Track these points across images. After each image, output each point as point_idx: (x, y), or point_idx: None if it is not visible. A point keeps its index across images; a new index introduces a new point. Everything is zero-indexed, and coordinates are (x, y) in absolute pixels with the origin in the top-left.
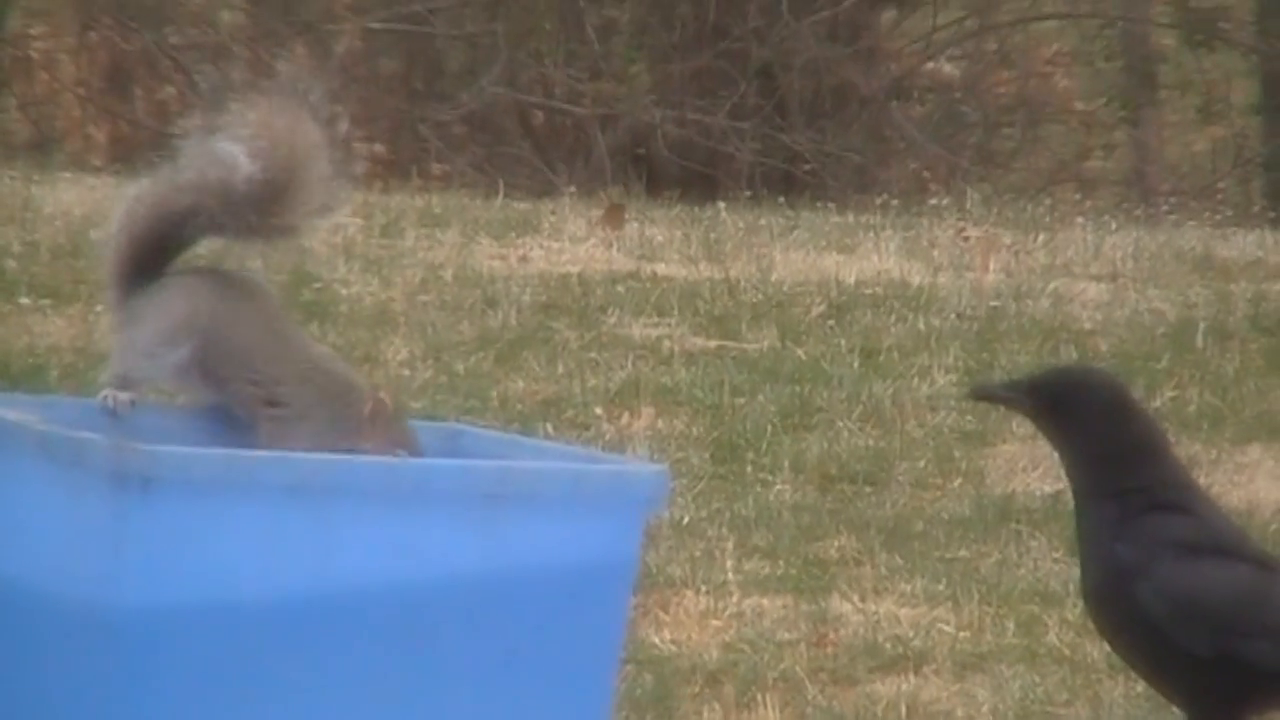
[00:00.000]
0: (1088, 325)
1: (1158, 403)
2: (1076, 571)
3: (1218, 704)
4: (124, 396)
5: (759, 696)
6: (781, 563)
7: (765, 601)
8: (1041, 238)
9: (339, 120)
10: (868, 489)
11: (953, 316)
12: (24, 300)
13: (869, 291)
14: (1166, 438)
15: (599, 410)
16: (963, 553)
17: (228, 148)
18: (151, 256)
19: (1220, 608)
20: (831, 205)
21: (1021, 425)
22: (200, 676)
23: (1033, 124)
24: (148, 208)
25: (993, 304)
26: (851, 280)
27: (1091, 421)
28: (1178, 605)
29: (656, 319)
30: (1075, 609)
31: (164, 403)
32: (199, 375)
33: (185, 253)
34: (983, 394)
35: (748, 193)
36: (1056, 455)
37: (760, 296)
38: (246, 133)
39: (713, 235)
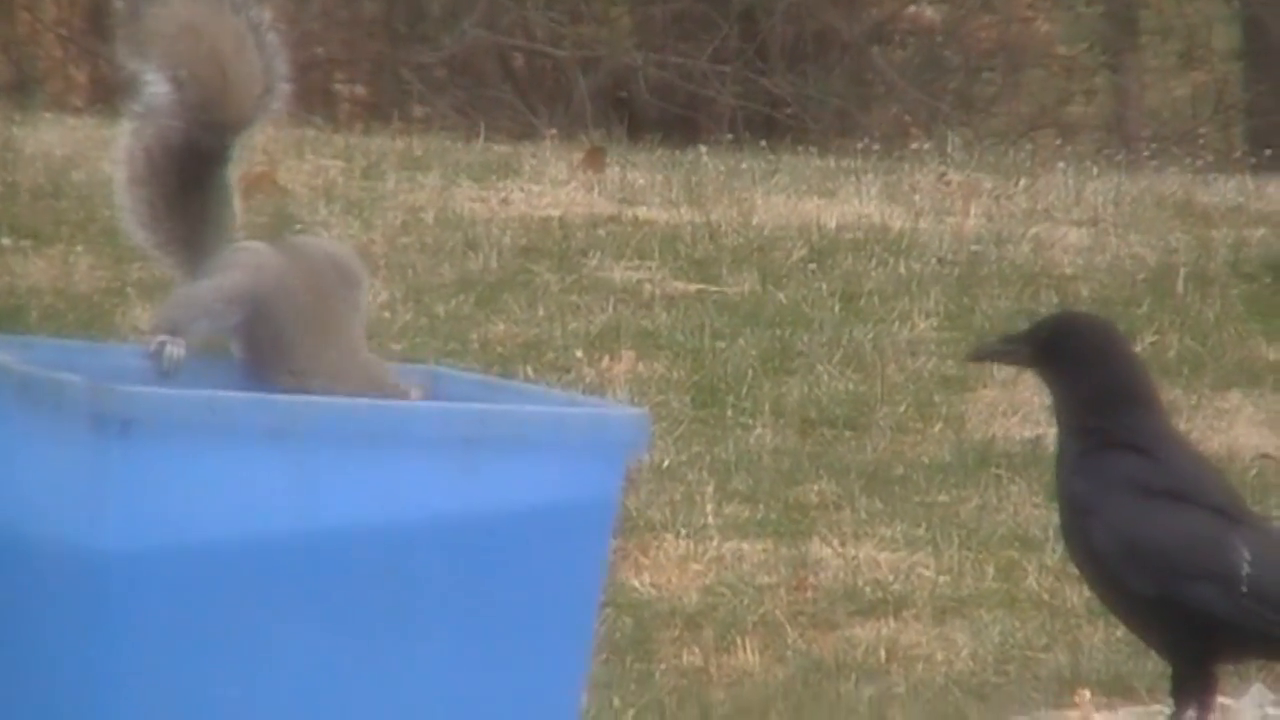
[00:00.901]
0: (1068, 270)
1: (1138, 348)
2: (1055, 517)
3: (1171, 645)
4: (177, 351)
5: (738, 640)
6: (761, 507)
7: (745, 546)
8: (1022, 183)
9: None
10: (848, 433)
11: (933, 261)
12: (4, 241)
13: (850, 236)
14: (1151, 385)
15: (579, 353)
16: (942, 497)
17: (149, 67)
18: (173, 196)
19: (1164, 549)
20: (813, 149)
21: (1001, 370)
22: (181, 618)
23: (1014, 69)
24: (133, 153)
25: (973, 249)
26: (832, 224)
27: (1077, 364)
28: (1122, 543)
29: (637, 262)
30: (1054, 554)
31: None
32: (244, 345)
33: (212, 178)
34: (983, 355)
35: (729, 136)
36: (1038, 400)
37: (741, 240)
38: (163, 44)
39: (694, 179)
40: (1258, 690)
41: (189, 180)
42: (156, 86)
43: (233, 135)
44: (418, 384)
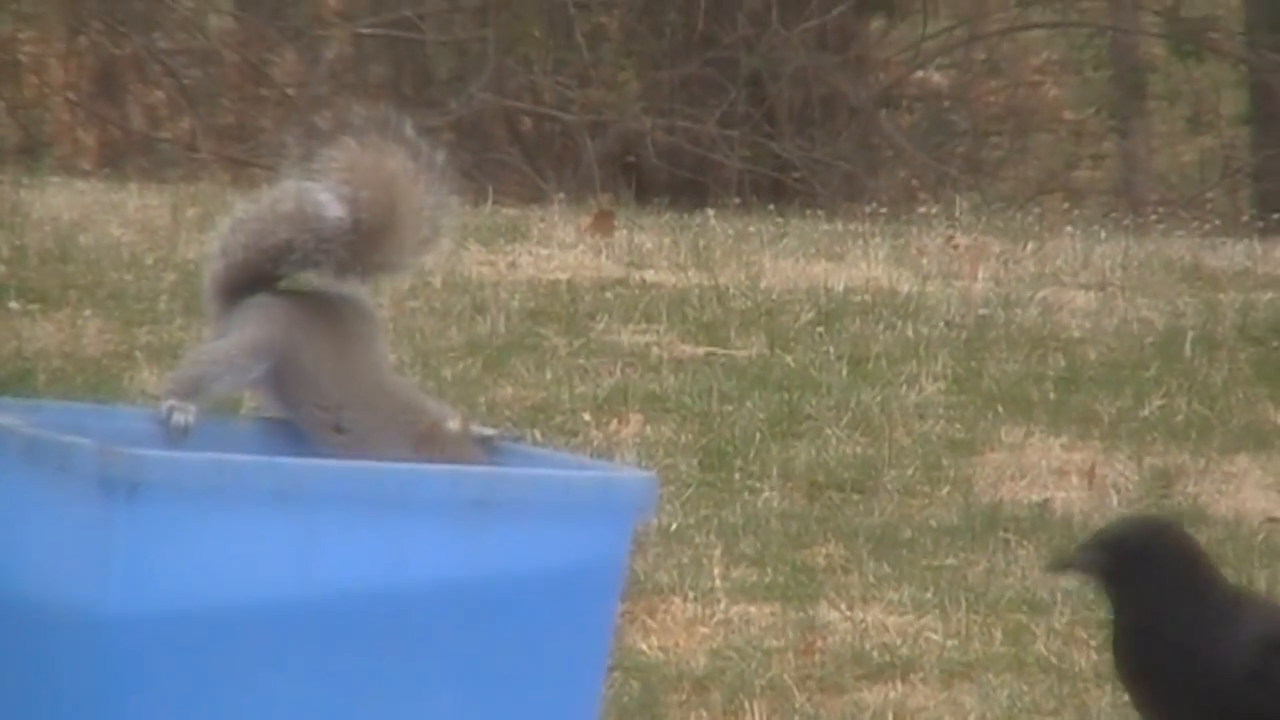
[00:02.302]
0: (1076, 334)
1: (1145, 412)
2: (1064, 581)
3: None
4: (186, 418)
5: (746, 704)
6: (769, 570)
7: (753, 609)
8: (1030, 246)
9: (437, 151)
10: (856, 497)
11: (941, 325)
12: (12, 304)
13: (858, 299)
14: (1225, 588)
15: (587, 417)
16: (950, 561)
17: (318, 193)
18: (249, 280)
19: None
20: (820, 213)
21: (1010, 434)
22: (186, 682)
23: (1021, 133)
24: (246, 237)
25: (981, 312)
26: (840, 288)
27: (1154, 582)
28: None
29: (645, 326)
30: (1062, 618)
31: (220, 415)
32: (272, 394)
33: (285, 277)
34: (1058, 567)
35: (737, 200)
36: (1046, 464)
37: (749, 304)
38: (336, 176)
39: (702, 242)
40: None
41: (268, 274)
42: (329, 207)
43: (378, 276)
44: (455, 413)
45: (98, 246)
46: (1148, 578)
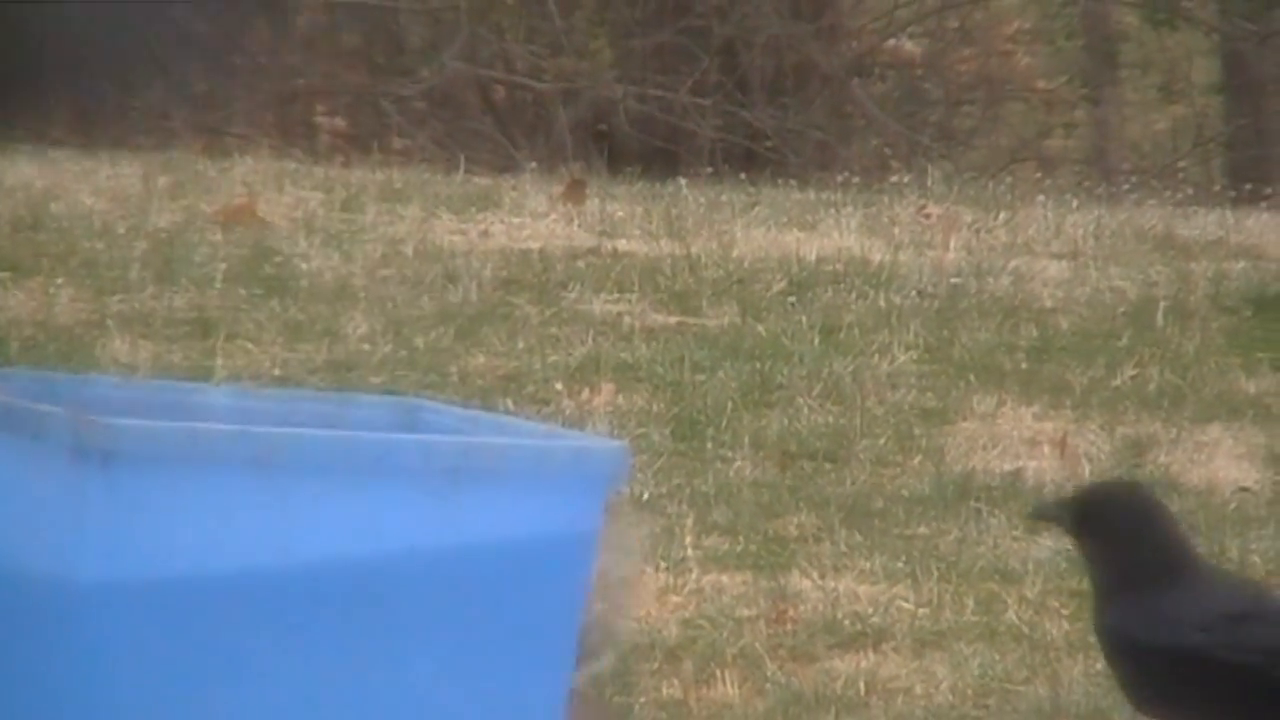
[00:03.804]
0: (1048, 303)
1: (1118, 381)
2: (1035, 550)
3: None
4: None
5: (718, 673)
6: (741, 539)
7: (725, 578)
8: (1002, 216)
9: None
10: (828, 466)
11: (914, 294)
12: None
13: (830, 268)
14: (1191, 552)
15: (559, 386)
16: (922, 530)
17: None
18: None
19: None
20: (793, 182)
21: (982, 403)
22: (160, 651)
23: (994, 102)
24: None
25: (953, 281)
26: (812, 257)
27: (1114, 538)
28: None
29: (617, 295)
30: (1034, 587)
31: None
32: None
33: None
34: (1038, 515)
35: (709, 169)
36: (1018, 433)
37: (721, 273)
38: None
39: (674, 211)
40: None
41: None
42: None
43: None
44: None
45: (69, 215)
46: (1114, 534)
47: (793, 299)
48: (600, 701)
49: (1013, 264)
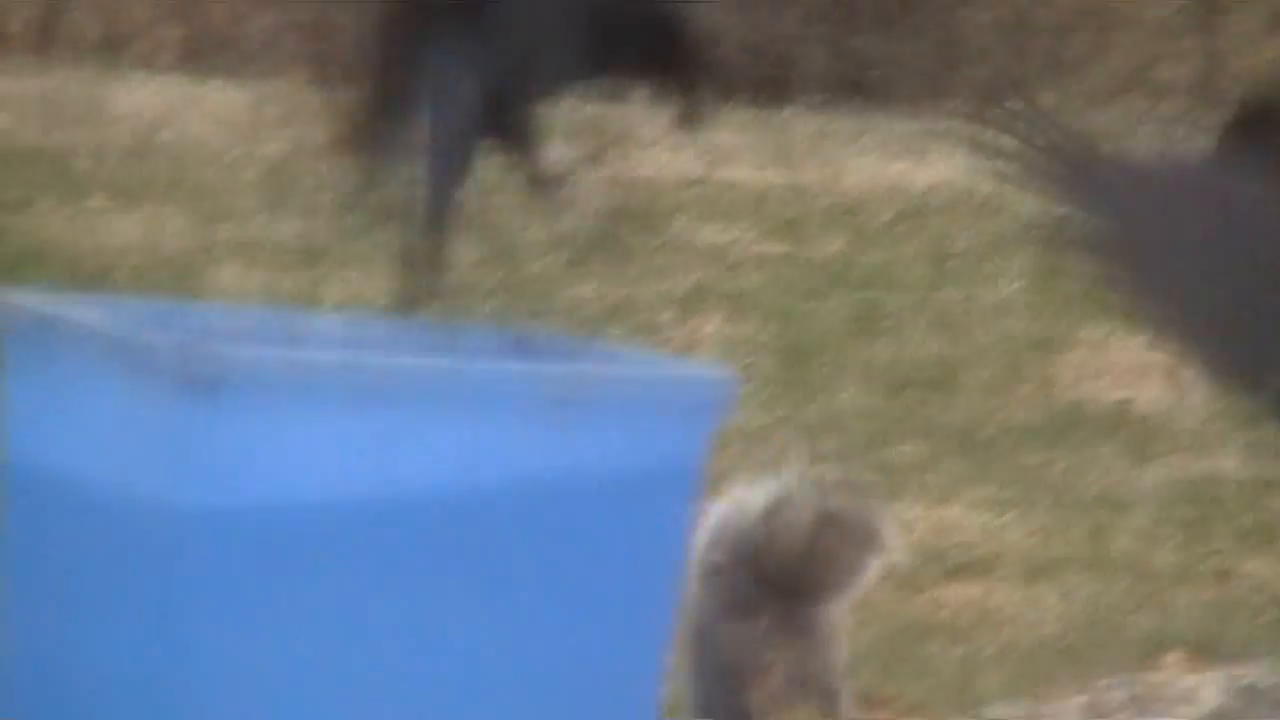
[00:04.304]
0: None
1: None
2: (1144, 480)
3: None
4: None
5: None
6: (850, 468)
7: None
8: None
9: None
10: (936, 395)
11: (1021, 223)
12: (94, 201)
13: (938, 197)
14: None
15: (668, 315)
16: (1031, 459)
17: None
18: None
19: None
20: (901, 111)
21: (1090, 333)
22: (263, 580)
23: (1102, 30)
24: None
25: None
26: (921, 186)
27: None
28: None
29: (725, 224)
30: (1143, 516)
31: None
32: None
33: None
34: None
35: (818, 97)
36: (1127, 362)
37: (830, 202)
38: None
39: (783, 140)
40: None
41: None
42: None
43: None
44: None
45: (178, 143)
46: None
47: (901, 228)
48: None
49: None
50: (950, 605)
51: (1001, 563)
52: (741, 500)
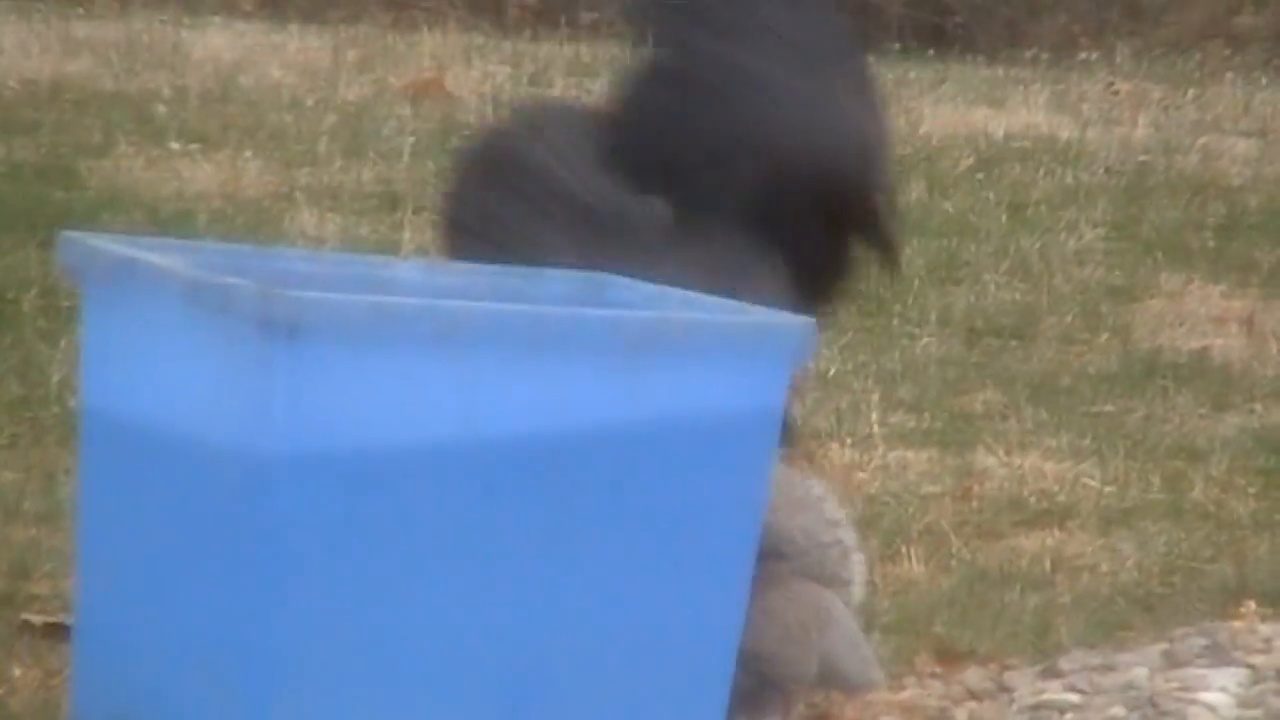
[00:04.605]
0: (1236, 181)
1: None
2: (1222, 428)
3: None
4: None
5: (903, 549)
6: (927, 416)
7: (910, 454)
8: (1191, 93)
9: None
10: (1014, 343)
11: (1101, 171)
12: (173, 145)
13: (1018, 145)
14: None
15: None
16: (1109, 407)
17: None
18: None
19: None
20: (981, 59)
21: (1169, 281)
22: (343, 524)
23: None
24: None
25: (1141, 159)
26: (1000, 134)
27: None
28: None
29: None
30: (1220, 465)
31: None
32: None
33: None
34: None
35: (897, 45)
36: (1205, 311)
37: (909, 150)
38: None
39: None
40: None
41: None
42: None
43: None
44: None
45: (258, 88)
46: None
47: (980, 176)
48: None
49: (1201, 141)
50: (1027, 553)
51: (1078, 511)
52: None
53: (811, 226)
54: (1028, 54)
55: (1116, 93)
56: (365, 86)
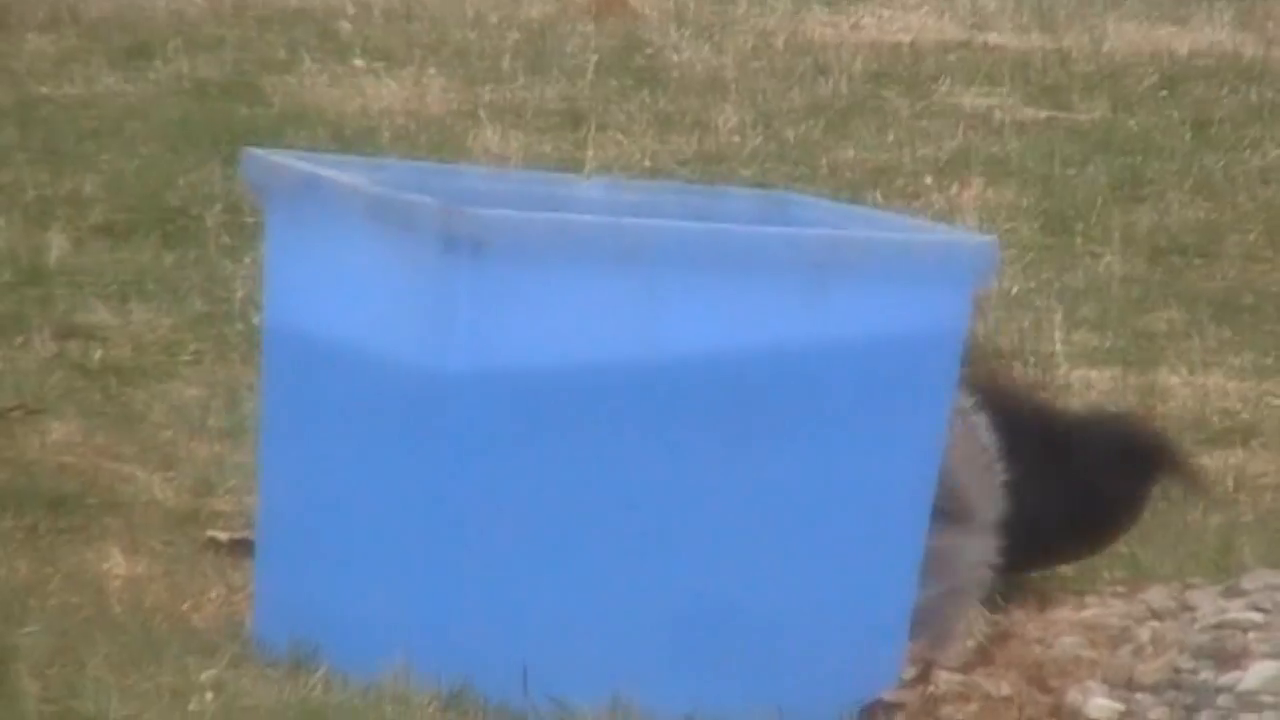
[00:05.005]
0: None
1: None
2: None
3: None
4: None
5: None
6: (1110, 334)
7: (1093, 373)
8: None
9: None
10: (1198, 261)
11: None
12: (357, 62)
13: (1202, 63)
14: None
15: (929, 180)
16: None
17: None
18: None
19: None
20: None
21: None
22: (526, 440)
23: None
24: None
25: None
26: (1184, 51)
27: None
28: None
29: (988, 89)
30: None
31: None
32: None
33: None
34: None
35: None
36: None
37: (1092, 67)
38: None
39: (1045, 4)
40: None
41: None
42: None
43: None
44: None
45: (442, 4)
46: None
47: (1164, 93)
48: None
49: None
50: (1211, 472)
51: (1262, 430)
52: None
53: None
54: None
55: None
56: (549, 3)
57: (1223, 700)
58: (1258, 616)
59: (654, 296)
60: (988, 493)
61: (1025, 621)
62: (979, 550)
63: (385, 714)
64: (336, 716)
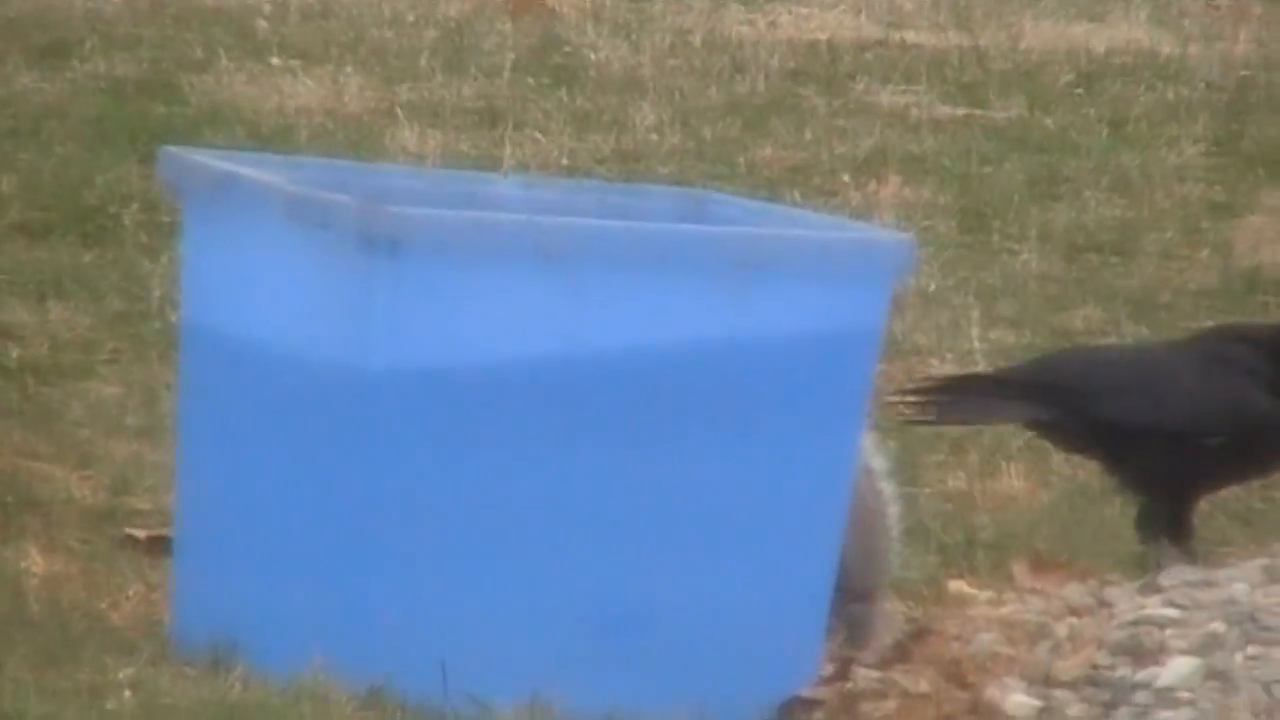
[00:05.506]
0: None
1: None
2: None
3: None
4: None
5: (1003, 465)
6: (1027, 332)
7: None
8: None
9: None
10: (1114, 259)
11: (1202, 86)
12: (274, 61)
13: (1118, 60)
14: None
15: (846, 178)
16: (1209, 323)
17: None
18: None
19: None
20: None
21: (1270, 196)
22: (445, 437)
23: None
24: None
25: (1243, 74)
26: (1101, 49)
27: None
28: None
29: (905, 87)
30: None
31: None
32: None
33: None
34: None
35: None
36: None
37: (1009, 65)
38: None
39: (961, 2)
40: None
41: None
42: None
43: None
44: None
45: (359, 3)
46: None
47: (1081, 91)
48: None
49: None
50: None
51: None
52: None
53: None
54: None
55: (1217, 7)
56: (466, 2)
57: (1140, 696)
58: (1174, 613)
59: (574, 295)
60: (879, 560)
61: (943, 618)
62: (886, 616)
63: (304, 712)
64: (255, 715)
